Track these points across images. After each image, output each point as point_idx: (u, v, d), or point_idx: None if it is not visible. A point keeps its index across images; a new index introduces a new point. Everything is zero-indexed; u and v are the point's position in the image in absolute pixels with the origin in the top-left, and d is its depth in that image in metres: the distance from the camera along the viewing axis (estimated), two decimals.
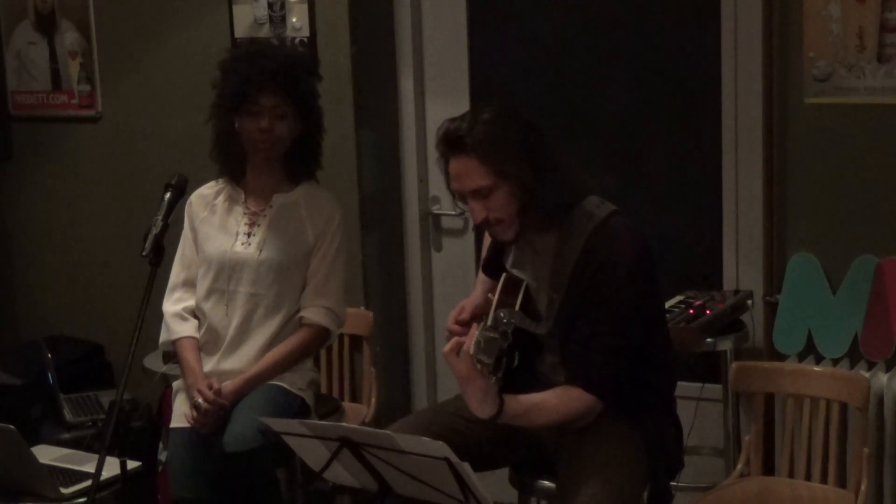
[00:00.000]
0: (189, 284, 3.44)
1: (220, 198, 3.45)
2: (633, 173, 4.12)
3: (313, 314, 3.37)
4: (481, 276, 3.14)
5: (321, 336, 3.41)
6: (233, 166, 3.40)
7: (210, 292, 3.40)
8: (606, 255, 2.73)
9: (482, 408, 2.65)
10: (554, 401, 2.77)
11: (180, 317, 3.41)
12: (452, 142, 2.74)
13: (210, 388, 3.24)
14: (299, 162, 3.41)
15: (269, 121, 3.28)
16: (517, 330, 2.74)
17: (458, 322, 3.00)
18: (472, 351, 2.57)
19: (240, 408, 3.24)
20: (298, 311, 3.39)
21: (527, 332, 2.84)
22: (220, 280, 3.38)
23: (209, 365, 3.37)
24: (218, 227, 3.42)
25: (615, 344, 2.75)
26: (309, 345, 3.39)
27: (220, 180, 3.47)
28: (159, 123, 4.49)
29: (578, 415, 2.78)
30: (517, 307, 2.85)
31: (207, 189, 3.49)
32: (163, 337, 3.44)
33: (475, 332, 2.60)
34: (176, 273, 3.45)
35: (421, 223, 4.38)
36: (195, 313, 3.44)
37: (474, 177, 2.72)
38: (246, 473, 3.16)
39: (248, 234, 3.39)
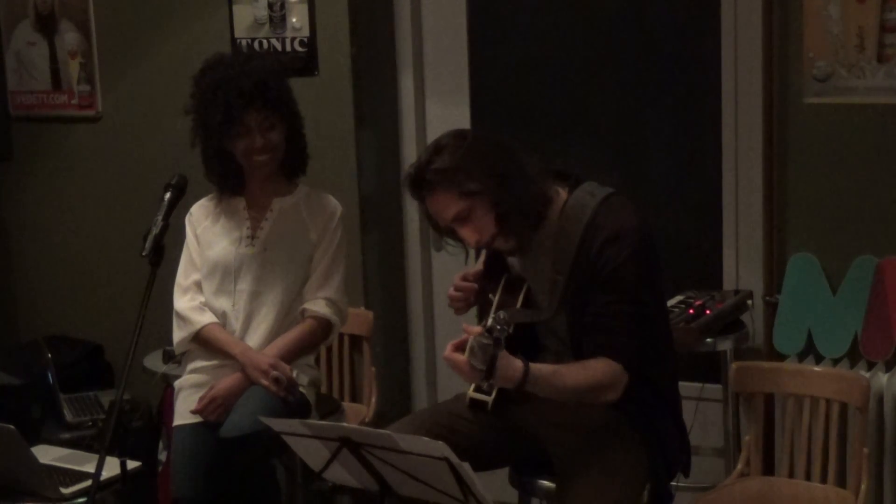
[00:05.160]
0: (200, 286, 3.45)
1: (221, 207, 3.48)
2: (633, 173, 4.12)
3: (315, 306, 3.39)
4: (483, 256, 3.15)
5: (324, 328, 3.42)
6: (234, 185, 3.43)
7: (216, 294, 3.41)
8: (612, 226, 2.75)
9: (509, 378, 2.62)
10: (577, 367, 2.75)
11: (198, 309, 3.41)
12: (416, 184, 2.81)
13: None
14: (292, 160, 3.44)
15: (260, 136, 3.31)
16: (518, 329, 2.74)
17: (458, 287, 3.01)
18: (466, 356, 2.58)
19: (240, 400, 3.27)
20: (300, 306, 3.41)
21: (526, 334, 2.84)
22: (226, 282, 3.41)
23: (215, 361, 3.39)
24: (221, 234, 3.44)
25: (631, 310, 2.74)
26: (311, 337, 3.40)
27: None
28: (159, 123, 4.49)
29: (605, 383, 2.73)
30: (518, 306, 2.86)
31: (207, 200, 3.52)
32: (181, 333, 3.40)
33: (470, 338, 2.60)
34: (185, 276, 3.46)
35: (421, 223, 4.37)
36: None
37: (448, 207, 2.78)
38: (243, 460, 3.17)
39: (252, 238, 3.41)
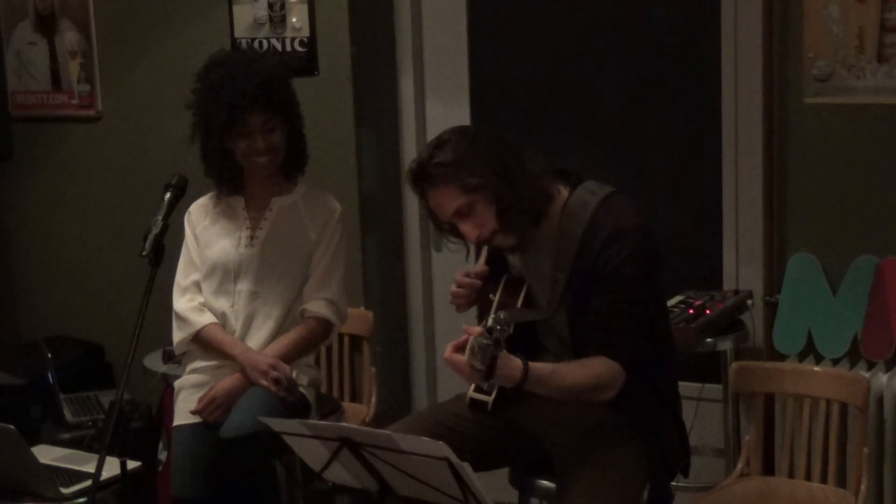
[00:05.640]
0: (199, 286, 3.45)
1: (220, 207, 3.47)
2: (634, 173, 4.12)
3: (315, 306, 3.39)
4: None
5: (324, 328, 3.42)
6: (231, 182, 3.43)
7: (216, 294, 3.41)
8: (614, 225, 2.75)
9: (508, 377, 2.63)
10: (577, 365, 2.75)
11: (198, 310, 3.41)
12: (418, 178, 2.82)
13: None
14: (292, 160, 3.43)
15: (262, 138, 3.31)
16: (518, 329, 2.74)
17: (460, 284, 3.02)
18: (466, 356, 2.58)
19: (240, 400, 3.27)
20: (301, 306, 3.41)
21: (526, 334, 2.83)
22: (225, 282, 3.40)
23: (215, 361, 3.39)
24: (220, 233, 3.44)
25: (631, 310, 2.74)
26: (311, 337, 3.40)
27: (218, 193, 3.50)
28: (159, 123, 4.49)
29: (602, 383, 2.73)
30: (518, 306, 2.86)
31: (206, 199, 3.51)
32: (181, 333, 3.40)
33: (470, 338, 2.60)
34: (184, 276, 3.45)
35: (421, 223, 4.37)
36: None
37: (449, 201, 2.78)
38: (243, 461, 3.17)
39: (251, 238, 3.41)
